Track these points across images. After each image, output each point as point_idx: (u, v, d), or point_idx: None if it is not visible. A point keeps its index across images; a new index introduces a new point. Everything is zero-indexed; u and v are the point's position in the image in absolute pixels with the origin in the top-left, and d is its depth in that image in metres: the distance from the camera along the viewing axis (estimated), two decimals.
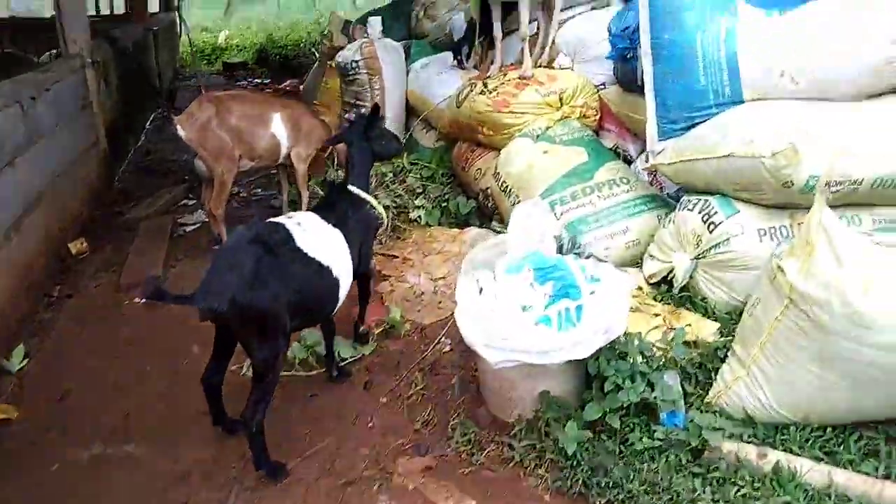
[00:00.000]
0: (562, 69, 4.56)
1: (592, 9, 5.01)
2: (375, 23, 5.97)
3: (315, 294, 2.61)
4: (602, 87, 4.45)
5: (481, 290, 2.67)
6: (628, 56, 3.81)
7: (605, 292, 2.54)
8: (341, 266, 2.71)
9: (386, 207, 4.62)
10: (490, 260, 2.77)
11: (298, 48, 13.03)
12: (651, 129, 3.42)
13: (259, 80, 11.58)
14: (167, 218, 5.22)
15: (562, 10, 4.67)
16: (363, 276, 3.11)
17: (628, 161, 4.17)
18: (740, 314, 2.75)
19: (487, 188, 4.42)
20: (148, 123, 8.58)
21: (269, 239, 2.46)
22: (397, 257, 3.98)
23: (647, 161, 3.48)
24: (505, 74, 4.55)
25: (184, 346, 3.43)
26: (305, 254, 2.54)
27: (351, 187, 3.02)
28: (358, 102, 5.86)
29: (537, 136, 4.09)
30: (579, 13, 4.85)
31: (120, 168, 6.59)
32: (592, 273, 2.65)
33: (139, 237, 4.85)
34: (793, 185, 2.78)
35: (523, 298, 2.54)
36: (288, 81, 10.71)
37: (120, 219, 5.27)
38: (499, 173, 4.12)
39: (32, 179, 4.12)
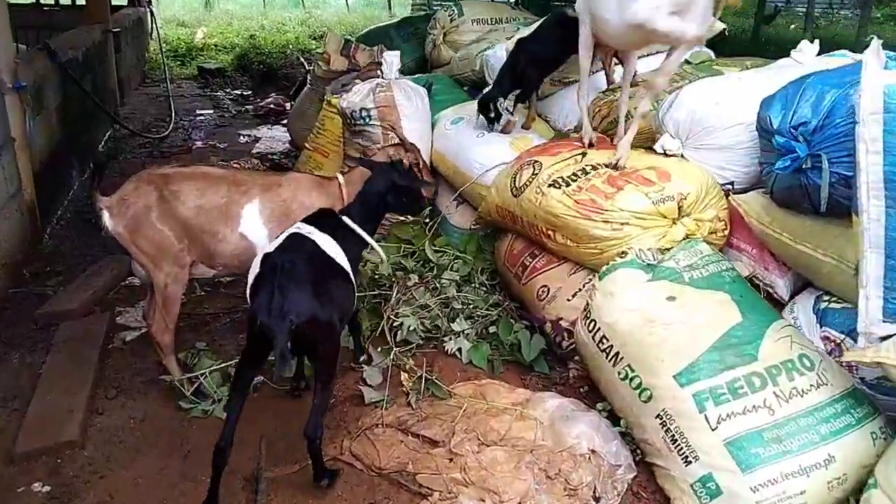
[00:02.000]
0: (667, 155, 3.26)
1: (699, 68, 3.72)
2: (393, 59, 4.60)
3: (348, 296, 2.62)
4: (728, 187, 3.16)
5: None
6: (804, 167, 2.52)
7: None
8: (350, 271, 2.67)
9: (412, 330, 3.29)
10: None
11: (284, 56, 11.56)
12: (871, 304, 2.13)
13: (239, 92, 10.10)
14: (101, 317, 3.79)
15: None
16: None
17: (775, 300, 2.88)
18: None
19: (563, 326, 3.09)
20: (101, 146, 7.09)
21: (306, 250, 2.51)
22: (437, 443, 2.61)
23: (858, 345, 2.20)
24: (594, 169, 3.24)
25: None
26: (333, 259, 2.57)
27: (346, 219, 2.82)
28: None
29: (652, 268, 2.77)
30: (689, 80, 3.53)
31: (53, 218, 5.13)
32: None
33: (55, 351, 3.42)
34: None
35: None
36: (272, 97, 9.29)
37: (36, 312, 3.82)
38: (593, 323, 2.79)
39: None
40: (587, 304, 2.88)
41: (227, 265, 3.08)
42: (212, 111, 8.98)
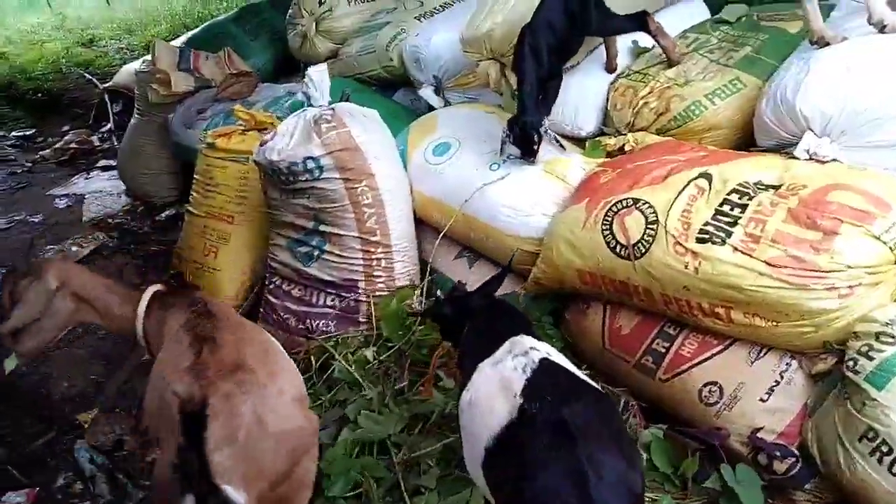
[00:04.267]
0: (823, 161, 2.34)
1: None
2: (321, 75, 3.20)
3: None
4: None
5: None
6: None
7: None
8: None
9: None
10: None
11: (62, 75, 9.15)
12: None
13: (18, 134, 7.72)
14: None
15: None
16: None
17: None
18: None
19: (772, 442, 2.11)
20: None
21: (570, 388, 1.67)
22: None
23: None
24: (741, 195, 2.22)
25: None
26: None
27: None
28: (326, 230, 3.13)
29: None
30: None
31: None
32: None
33: None
34: None
35: None
36: (69, 134, 7.17)
37: None
38: (886, 446, 1.81)
39: None
40: (861, 421, 1.88)
41: None
42: None
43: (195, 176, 3.98)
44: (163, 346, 2.05)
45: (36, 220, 5.42)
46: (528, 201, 2.81)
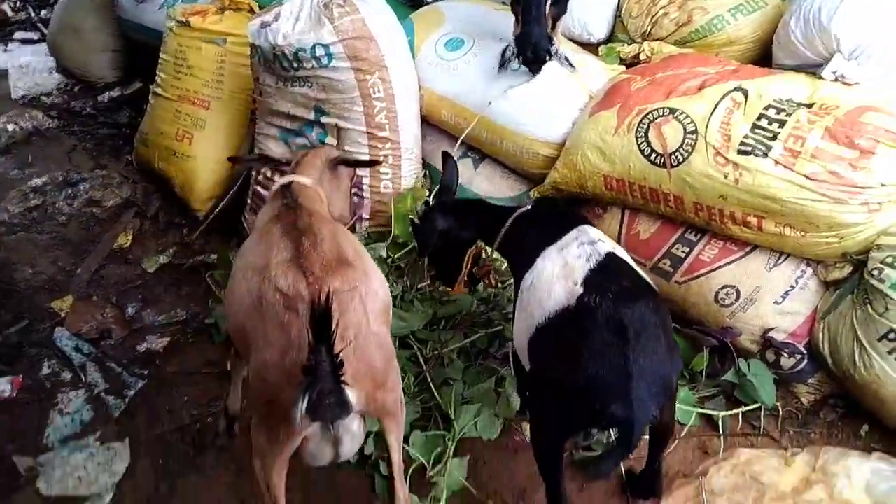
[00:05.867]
0: (848, 84, 2.44)
1: None
2: None
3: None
4: None
5: None
6: None
7: None
8: None
9: None
10: None
11: None
12: None
13: None
14: None
15: None
16: None
17: None
18: None
19: (783, 341, 2.28)
20: None
21: (633, 288, 1.73)
22: None
23: None
24: (780, 111, 2.30)
25: None
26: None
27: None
28: (328, 121, 2.98)
29: None
30: None
31: None
32: None
33: None
34: None
35: None
36: None
37: None
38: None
39: None
40: (883, 324, 2.06)
41: None
42: None
43: (163, 56, 3.65)
44: (249, 238, 1.94)
45: None
46: (551, 105, 2.79)
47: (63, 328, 2.83)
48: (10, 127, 4.25)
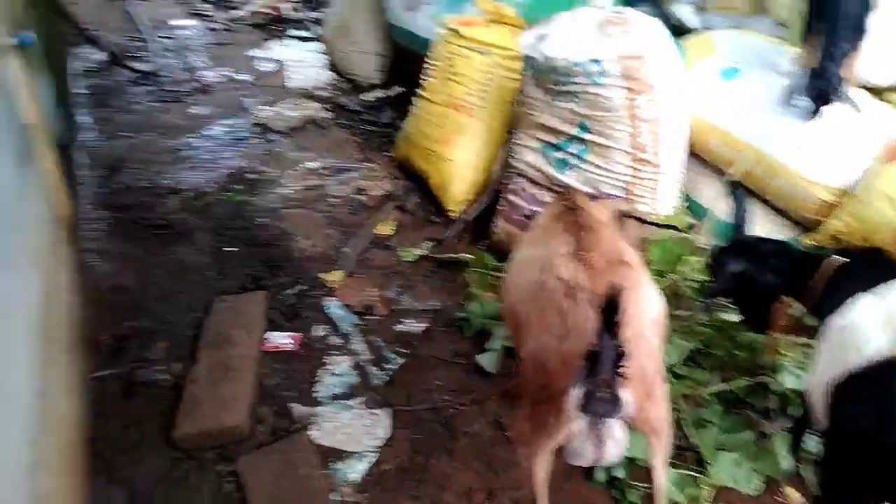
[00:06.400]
0: None
1: None
2: None
3: None
4: None
5: None
6: None
7: None
8: None
9: None
10: None
11: None
12: None
13: None
14: None
15: None
16: None
17: None
18: None
19: None
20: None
21: None
22: None
23: None
24: None
25: None
26: None
27: None
28: (591, 138, 3.07)
29: None
30: None
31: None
32: None
33: None
34: None
35: None
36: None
37: None
38: None
39: None
40: None
41: None
42: (192, 22, 6.87)
43: (432, 62, 3.95)
44: (527, 233, 2.09)
45: (240, 77, 5.57)
46: (839, 147, 2.66)
47: (333, 298, 3.18)
48: (290, 113, 4.83)
